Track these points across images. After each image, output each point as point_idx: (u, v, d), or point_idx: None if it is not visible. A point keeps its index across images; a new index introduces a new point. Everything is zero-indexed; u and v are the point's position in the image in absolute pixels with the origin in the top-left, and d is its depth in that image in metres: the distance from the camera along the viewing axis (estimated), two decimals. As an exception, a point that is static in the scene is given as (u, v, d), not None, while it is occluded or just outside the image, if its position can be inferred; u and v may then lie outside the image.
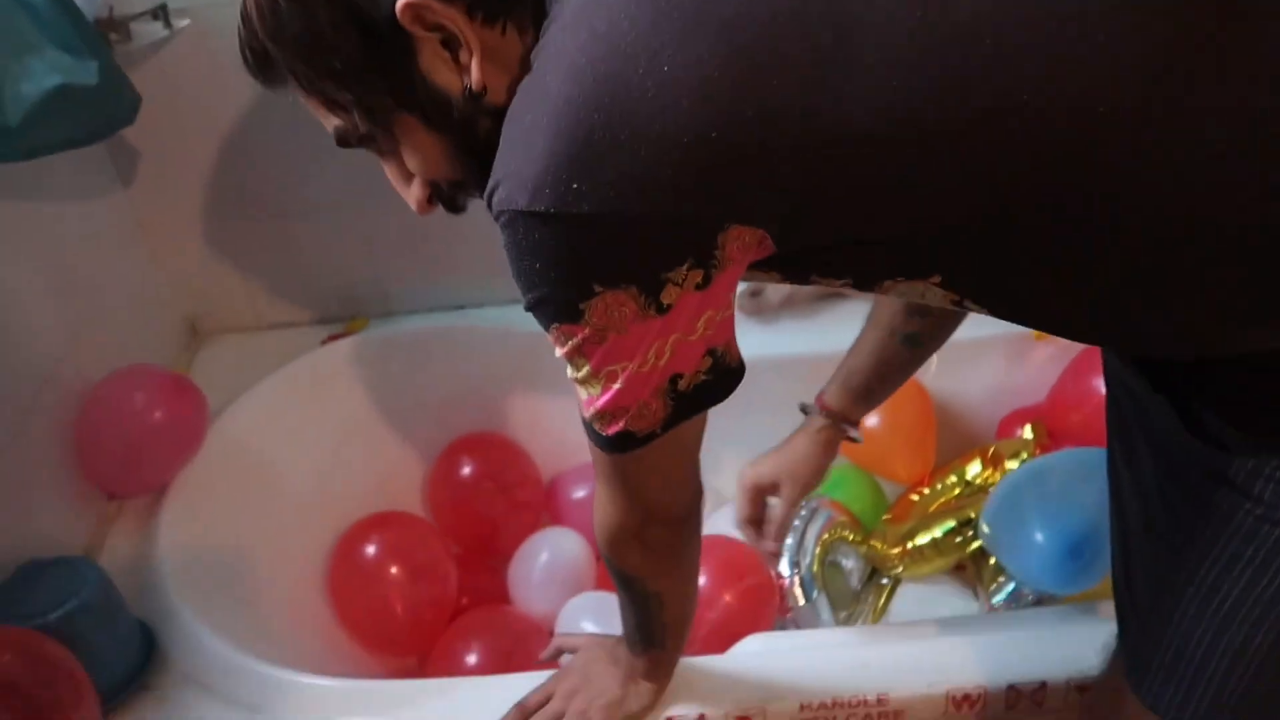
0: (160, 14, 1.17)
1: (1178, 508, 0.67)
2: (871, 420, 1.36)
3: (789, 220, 0.55)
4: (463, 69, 0.59)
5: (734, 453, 1.13)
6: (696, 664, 0.97)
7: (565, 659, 0.99)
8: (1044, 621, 1.01)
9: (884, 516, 1.41)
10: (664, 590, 0.79)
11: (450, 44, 0.59)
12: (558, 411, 1.50)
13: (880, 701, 0.94)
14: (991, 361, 1.48)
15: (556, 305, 0.56)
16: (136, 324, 1.37)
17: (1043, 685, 0.94)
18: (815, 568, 1.28)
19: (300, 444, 1.37)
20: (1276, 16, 0.51)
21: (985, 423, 1.51)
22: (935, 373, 1.47)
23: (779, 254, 0.58)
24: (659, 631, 0.84)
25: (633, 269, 0.54)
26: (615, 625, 0.89)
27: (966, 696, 0.94)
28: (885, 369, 0.94)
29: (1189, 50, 0.51)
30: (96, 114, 1.03)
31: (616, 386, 0.58)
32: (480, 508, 1.42)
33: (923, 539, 1.29)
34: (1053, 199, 0.54)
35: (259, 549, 1.23)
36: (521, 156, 0.54)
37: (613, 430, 0.61)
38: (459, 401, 1.49)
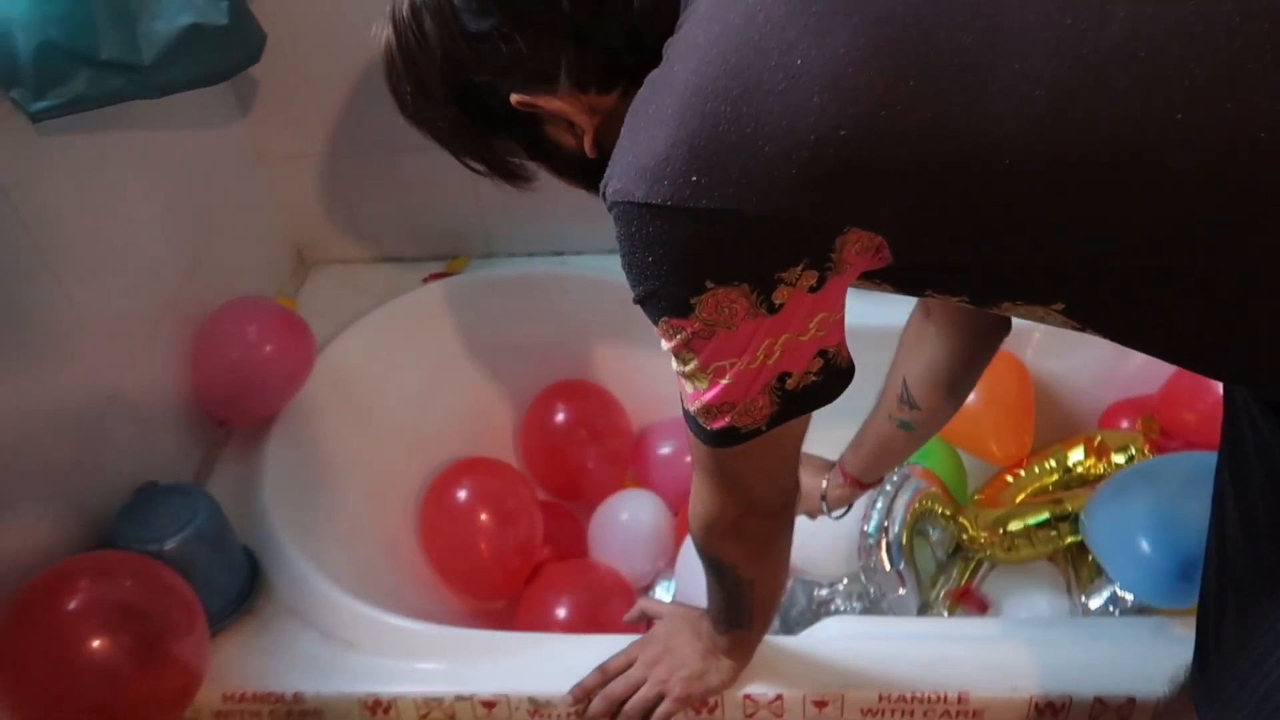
0: (285, -51, 1.17)
1: None
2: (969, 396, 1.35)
3: (911, 231, 0.53)
4: (579, 139, 0.63)
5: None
6: (776, 643, 0.98)
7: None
8: (1138, 634, 0.99)
9: (975, 495, 1.39)
10: (756, 577, 0.80)
11: (569, 120, 0.63)
12: (649, 364, 1.49)
13: (961, 700, 0.94)
14: (1099, 345, 1.42)
15: (667, 300, 0.55)
16: (250, 252, 1.41)
17: (1131, 701, 0.92)
18: (905, 539, 1.26)
19: (399, 381, 1.40)
20: None
21: (1088, 409, 1.46)
22: (1037, 352, 1.42)
23: (895, 265, 0.56)
24: (746, 613, 0.85)
25: (746, 268, 0.53)
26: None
27: (1050, 704, 0.93)
28: (882, 450, 1.01)
29: None
30: (226, 53, 1.04)
31: (724, 382, 0.58)
32: (571, 456, 1.45)
33: (1015, 526, 1.26)
34: (1197, 232, 0.51)
35: (357, 483, 1.27)
36: (642, 146, 0.53)
37: (717, 425, 0.61)
38: (554, 348, 1.50)
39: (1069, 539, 1.23)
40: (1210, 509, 0.74)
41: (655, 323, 0.58)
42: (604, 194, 0.55)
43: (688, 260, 0.53)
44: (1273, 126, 0.47)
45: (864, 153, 0.49)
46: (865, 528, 1.26)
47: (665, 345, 0.59)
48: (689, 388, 0.61)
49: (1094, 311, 0.59)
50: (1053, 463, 1.36)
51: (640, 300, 0.57)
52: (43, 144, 0.95)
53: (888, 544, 1.24)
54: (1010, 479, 1.38)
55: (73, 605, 0.85)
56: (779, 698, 0.95)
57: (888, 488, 1.28)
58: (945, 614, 1.22)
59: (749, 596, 0.82)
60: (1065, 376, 1.45)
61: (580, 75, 0.60)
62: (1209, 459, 1.00)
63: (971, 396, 1.32)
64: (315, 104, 1.38)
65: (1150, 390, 1.41)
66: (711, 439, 0.62)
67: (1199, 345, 0.59)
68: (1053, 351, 1.40)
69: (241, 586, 1.05)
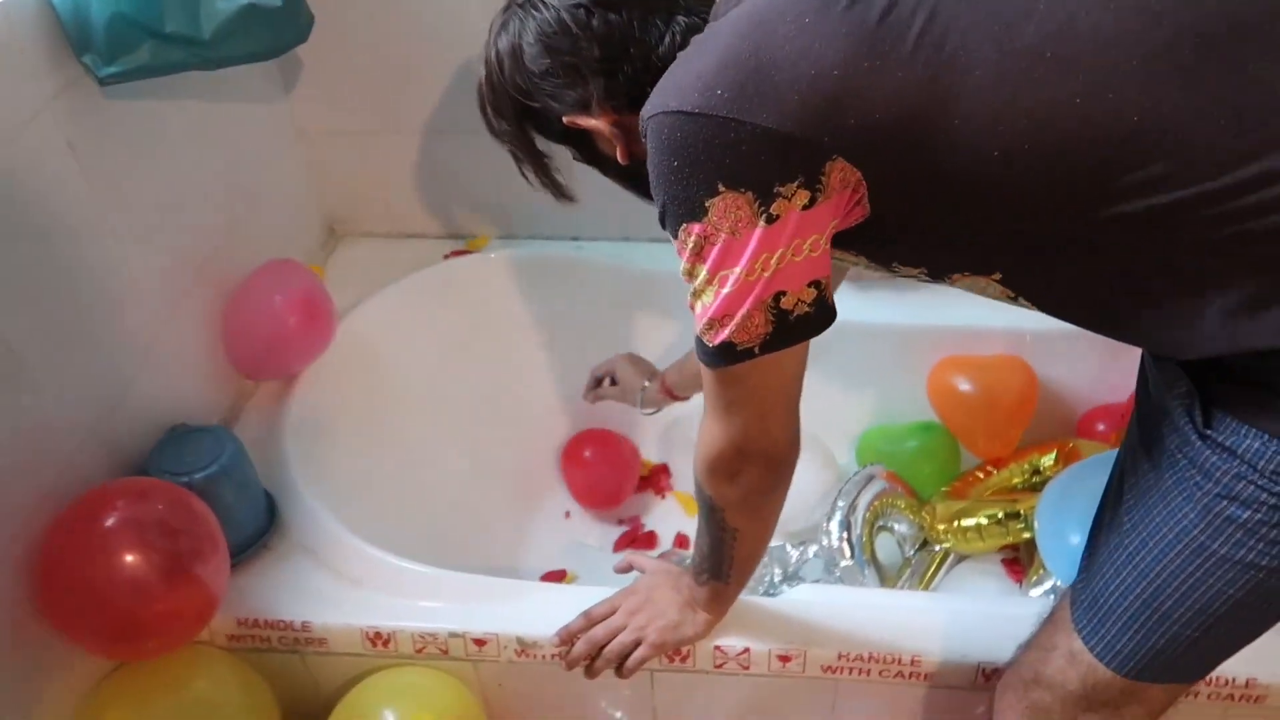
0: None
1: (1145, 463, 0.75)
2: (967, 386, 1.43)
3: (884, 173, 0.66)
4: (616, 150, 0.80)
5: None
6: (748, 601, 1.05)
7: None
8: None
9: (943, 488, 1.46)
10: (742, 527, 0.87)
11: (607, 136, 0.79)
12: (657, 347, 1.59)
13: (914, 663, 1.01)
14: (1092, 350, 1.49)
15: (686, 203, 0.67)
16: (284, 221, 1.50)
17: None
18: (866, 536, 1.35)
19: (417, 348, 1.49)
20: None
21: (1071, 414, 1.53)
22: (1034, 356, 1.48)
23: (869, 223, 0.68)
24: (726, 565, 0.92)
25: (752, 175, 0.65)
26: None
27: (996, 670, 1.00)
28: (697, 377, 1.11)
29: (1213, 76, 0.61)
30: (278, 32, 1.13)
31: (725, 291, 0.68)
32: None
33: (968, 521, 1.33)
34: (1099, 207, 0.63)
35: (371, 439, 1.37)
36: (677, 75, 0.68)
37: (717, 339, 0.71)
38: (565, 328, 1.59)
39: (1023, 535, 1.30)
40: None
41: (675, 234, 0.69)
42: (643, 122, 0.69)
43: (707, 164, 0.65)
44: (1143, 110, 0.61)
45: (851, 91, 0.63)
46: (828, 525, 1.34)
47: (682, 263, 0.71)
48: (697, 308, 0.72)
49: (1025, 281, 0.70)
50: (1026, 465, 1.43)
51: (663, 211, 0.69)
52: (108, 107, 1.04)
53: (850, 541, 1.33)
54: (981, 475, 1.45)
55: (110, 522, 0.94)
56: (746, 650, 1.03)
57: (849, 487, 1.36)
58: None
59: (731, 546, 0.89)
60: (1058, 379, 1.51)
61: (608, 101, 0.76)
62: None
63: (973, 390, 1.42)
64: (354, 85, 1.48)
65: (1123, 398, 1.47)
66: (712, 357, 0.72)
67: (1107, 311, 0.70)
68: (1051, 357, 1.47)
69: (260, 524, 1.14)
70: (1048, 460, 1.41)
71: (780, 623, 1.04)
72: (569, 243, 1.62)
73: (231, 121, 1.33)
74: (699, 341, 0.73)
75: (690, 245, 0.68)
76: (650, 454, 1.63)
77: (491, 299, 1.57)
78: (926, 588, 1.35)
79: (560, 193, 0.90)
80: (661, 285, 1.55)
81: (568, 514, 1.57)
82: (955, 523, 1.33)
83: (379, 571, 1.11)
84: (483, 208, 1.62)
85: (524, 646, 1.05)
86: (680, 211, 0.68)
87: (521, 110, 0.82)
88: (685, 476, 1.61)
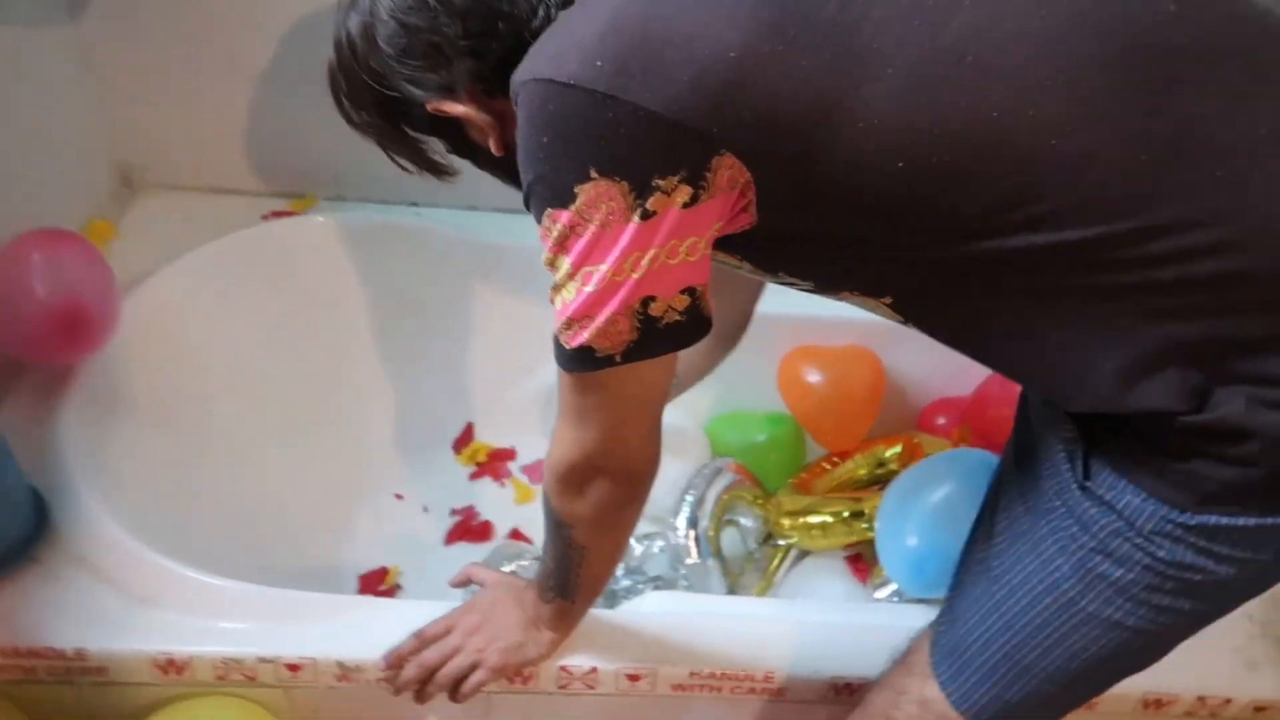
0: None
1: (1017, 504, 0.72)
2: (816, 378, 1.40)
3: (773, 176, 0.58)
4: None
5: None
6: (595, 616, 0.98)
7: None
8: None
9: (790, 480, 1.43)
10: (590, 546, 0.80)
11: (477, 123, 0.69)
12: (509, 328, 1.49)
13: (766, 679, 0.97)
14: (936, 343, 1.49)
15: (553, 185, 0.59)
16: (68, 166, 1.30)
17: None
18: (712, 530, 1.31)
19: (229, 324, 1.32)
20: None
21: (917, 406, 1.54)
22: (885, 347, 1.47)
23: (755, 231, 0.61)
24: (573, 584, 0.85)
25: (629, 163, 0.57)
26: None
27: (847, 685, 0.97)
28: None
29: (1140, 107, 0.56)
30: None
31: (588, 289, 0.60)
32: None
33: (814, 518, 1.32)
34: (1004, 229, 0.57)
35: (172, 430, 1.20)
36: (555, 38, 0.59)
37: (575, 342, 0.63)
38: (401, 303, 1.45)
39: (866, 534, 1.29)
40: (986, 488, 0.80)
41: (539, 219, 0.61)
42: (514, 87, 0.60)
43: (580, 144, 0.57)
44: (1064, 135, 0.55)
45: (748, 78, 0.55)
46: (675, 520, 1.30)
47: (544, 251, 0.62)
48: (557, 303, 0.63)
49: (916, 309, 0.65)
50: (870, 456, 1.43)
51: (528, 191, 0.61)
52: None
53: (696, 536, 1.28)
54: (828, 466, 1.44)
55: None
56: (594, 670, 0.96)
57: (699, 481, 1.31)
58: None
59: (579, 565, 0.82)
60: (900, 372, 1.51)
61: (476, 84, 0.66)
62: (975, 456, 1.08)
63: (822, 381, 1.39)
64: (160, 12, 1.27)
65: (965, 392, 1.49)
66: (568, 360, 0.64)
67: (998, 352, 0.65)
68: (891, 347, 1.46)
69: (23, 530, 0.97)
70: (892, 453, 1.41)
71: (629, 639, 0.98)
72: (407, 209, 1.48)
73: (-3, 46, 1.11)
74: (555, 341, 0.65)
75: (554, 234, 0.60)
76: (493, 436, 1.53)
77: (317, 269, 1.41)
78: (769, 584, 1.33)
79: (441, 172, 0.78)
80: (510, 259, 1.44)
81: (399, 496, 1.45)
82: (801, 519, 1.31)
83: (173, 587, 0.96)
84: (310, 163, 1.45)
85: (345, 671, 0.94)
86: (546, 194, 0.60)
87: (380, 98, 0.70)
88: (527, 460, 1.52)
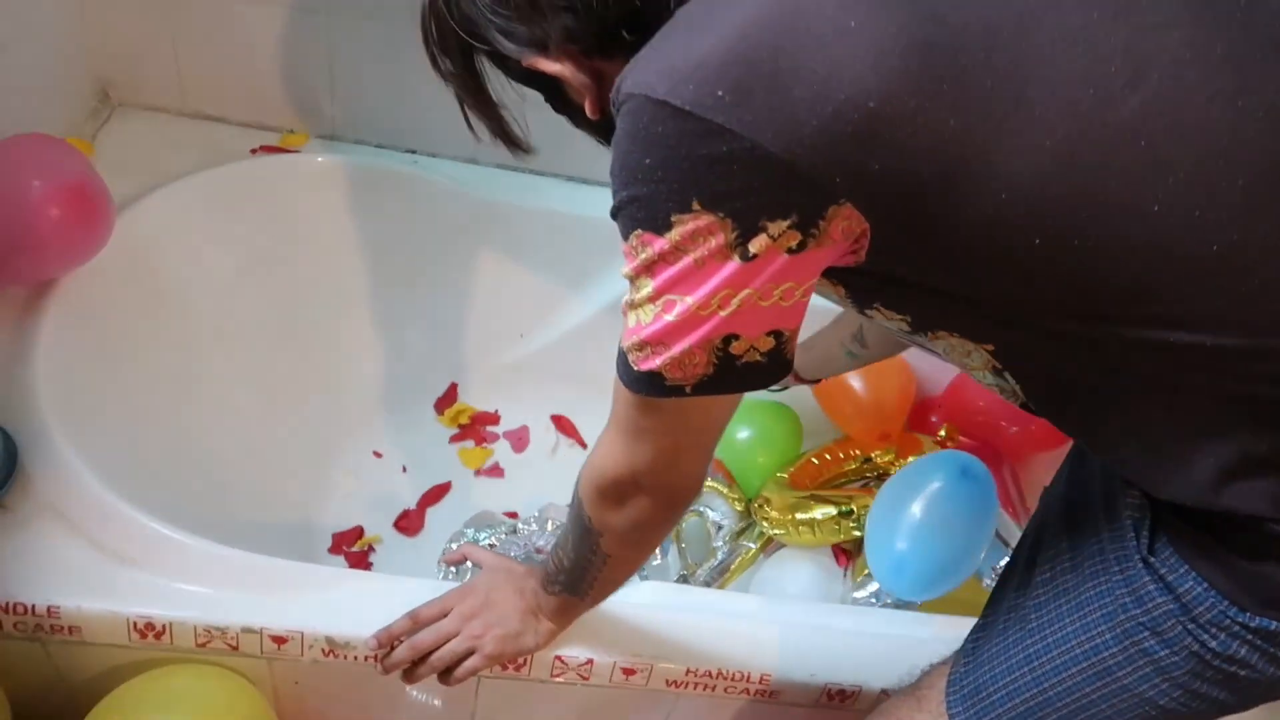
0: None
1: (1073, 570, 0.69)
2: (856, 382, 1.38)
3: (896, 228, 0.53)
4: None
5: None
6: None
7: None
8: (929, 631, 1.04)
9: (780, 474, 1.42)
10: (616, 555, 0.77)
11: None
12: (492, 290, 1.44)
13: (762, 681, 0.96)
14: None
15: (649, 209, 0.54)
16: (39, 80, 1.19)
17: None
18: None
19: (213, 261, 1.25)
20: None
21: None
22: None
23: (861, 268, 0.57)
24: (588, 583, 0.82)
25: (737, 201, 0.52)
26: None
27: (841, 691, 0.97)
28: (826, 362, 1.10)
29: None
30: None
31: (668, 318, 0.56)
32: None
33: (803, 515, 1.30)
34: (1136, 320, 0.54)
35: (154, 373, 1.13)
36: (674, 48, 0.53)
37: (645, 366, 0.59)
38: (393, 254, 1.39)
39: (854, 534, 1.29)
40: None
41: (626, 236, 0.56)
42: (618, 89, 0.54)
43: (685, 172, 0.52)
44: (1228, 243, 0.51)
45: (884, 130, 0.50)
46: None
47: (626, 267, 0.57)
48: (631, 320, 0.59)
49: (1018, 363, 0.61)
50: (858, 453, 1.42)
51: (619, 205, 0.56)
52: None
53: None
54: (816, 460, 1.43)
55: None
56: (589, 662, 0.94)
57: None
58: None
59: (599, 569, 0.79)
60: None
61: (571, 43, 0.60)
62: (959, 459, 1.09)
63: (861, 382, 1.38)
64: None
65: (937, 391, 1.50)
66: (634, 381, 0.60)
67: (1094, 423, 0.62)
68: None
69: (-7, 474, 0.91)
70: (882, 455, 1.41)
71: (625, 632, 0.96)
72: (404, 155, 1.41)
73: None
74: (621, 356, 0.61)
75: (642, 256, 0.55)
76: (477, 399, 1.48)
77: (306, 210, 1.34)
78: (725, 585, 1.31)
79: (516, 146, 0.72)
80: (509, 219, 1.39)
81: (378, 454, 1.40)
82: (791, 514, 1.30)
83: (154, 546, 0.91)
84: (305, 97, 1.37)
85: (333, 647, 0.90)
86: (640, 215, 0.54)
87: (466, 47, 0.65)
88: (510, 425, 1.48)
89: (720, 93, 0.50)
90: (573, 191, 1.40)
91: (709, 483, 1.33)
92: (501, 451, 1.45)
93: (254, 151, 1.34)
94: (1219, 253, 0.52)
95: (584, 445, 1.46)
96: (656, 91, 0.51)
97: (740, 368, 0.58)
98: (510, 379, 1.47)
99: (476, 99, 0.68)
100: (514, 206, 1.38)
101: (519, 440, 1.46)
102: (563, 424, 1.48)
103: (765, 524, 1.31)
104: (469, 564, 1.00)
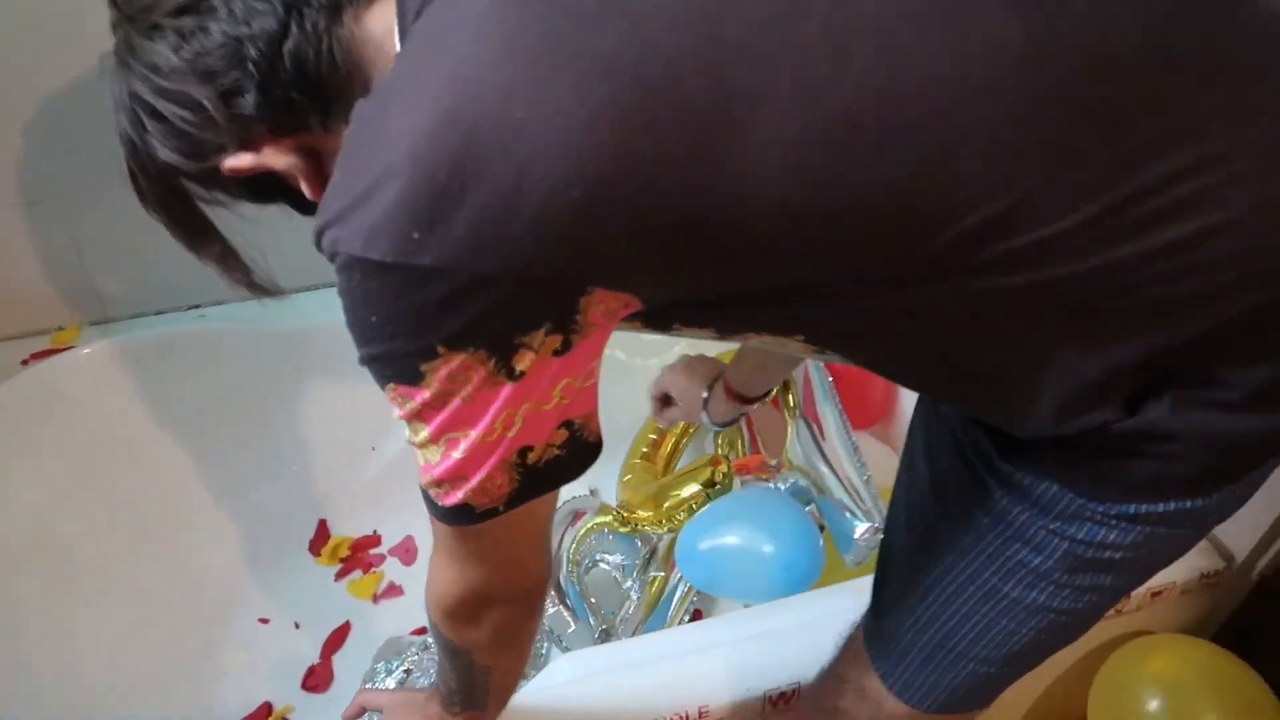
0: None
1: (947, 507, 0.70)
2: None
3: (655, 283, 0.50)
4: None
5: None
6: (509, 705, 0.91)
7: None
8: (837, 607, 1.02)
9: (634, 460, 1.37)
10: (494, 664, 0.73)
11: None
12: (326, 415, 1.38)
13: (702, 714, 0.93)
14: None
15: (394, 365, 0.50)
16: None
17: (851, 671, 0.96)
18: (578, 585, 1.24)
19: (10, 494, 1.15)
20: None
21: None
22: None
23: (645, 310, 0.53)
24: (482, 695, 0.78)
25: (481, 331, 0.47)
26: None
27: (782, 695, 0.95)
28: (759, 368, 1.02)
29: (1085, 146, 0.49)
30: None
31: (456, 456, 0.52)
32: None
33: (671, 503, 1.26)
34: (925, 283, 0.51)
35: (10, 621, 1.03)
36: (355, 196, 0.47)
37: (449, 501, 0.55)
38: (210, 417, 1.31)
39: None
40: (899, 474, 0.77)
41: (382, 388, 0.52)
42: (318, 237, 0.49)
43: (415, 322, 0.47)
44: (992, 191, 0.48)
45: (599, 212, 0.45)
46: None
47: (394, 412, 0.52)
48: (420, 458, 0.54)
49: (834, 339, 0.58)
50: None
51: (365, 362, 0.51)
52: None
53: (567, 603, 1.22)
54: (654, 435, 1.39)
55: None
56: (521, 763, 0.89)
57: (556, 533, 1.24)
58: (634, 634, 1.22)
59: (485, 680, 0.75)
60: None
61: (252, 127, 0.56)
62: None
63: None
64: None
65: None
66: (445, 516, 0.56)
67: (929, 377, 0.61)
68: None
69: None
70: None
71: (550, 716, 0.92)
72: (188, 313, 1.34)
73: None
74: (424, 494, 0.56)
75: (406, 406, 0.51)
76: (351, 527, 1.42)
77: (100, 407, 1.26)
78: (648, 613, 1.26)
79: (263, 291, 0.67)
80: (314, 340, 1.34)
81: (264, 620, 1.32)
82: (659, 507, 1.25)
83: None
84: (63, 289, 1.29)
85: None
86: (387, 372, 0.50)
87: (170, 189, 0.60)
88: (393, 541, 1.42)
89: (416, 234, 0.45)
90: (369, 292, 1.36)
91: (587, 528, 1.28)
92: (393, 570, 1.39)
93: (26, 362, 1.25)
94: (996, 201, 0.48)
95: (474, 533, 1.41)
96: (354, 248, 0.46)
97: (543, 468, 0.54)
98: (377, 494, 1.41)
99: (199, 246, 0.63)
100: (316, 326, 1.32)
101: (407, 552, 1.41)
102: (446, 520, 1.43)
103: (646, 528, 1.27)
104: (369, 715, 0.94)
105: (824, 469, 1.15)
